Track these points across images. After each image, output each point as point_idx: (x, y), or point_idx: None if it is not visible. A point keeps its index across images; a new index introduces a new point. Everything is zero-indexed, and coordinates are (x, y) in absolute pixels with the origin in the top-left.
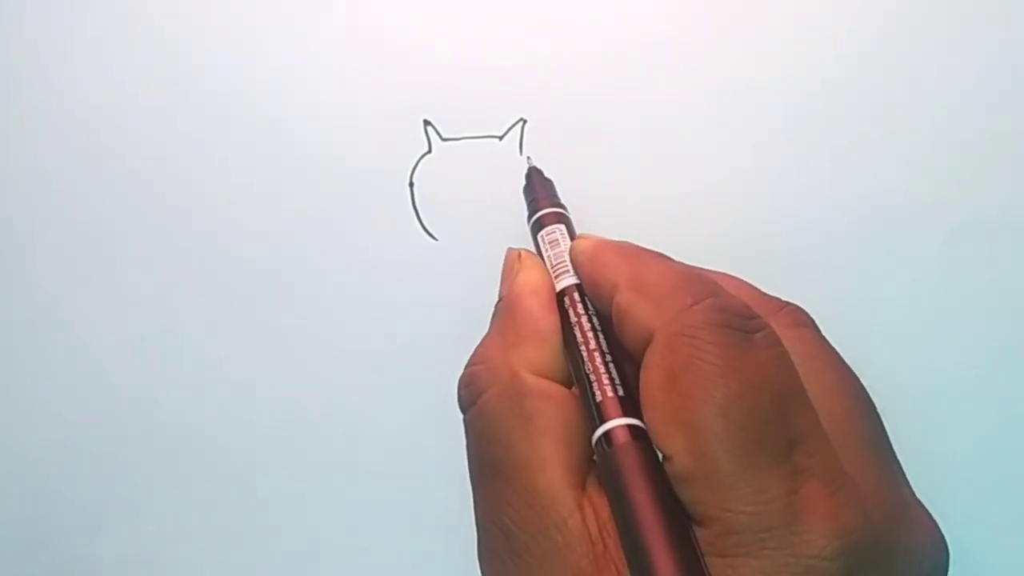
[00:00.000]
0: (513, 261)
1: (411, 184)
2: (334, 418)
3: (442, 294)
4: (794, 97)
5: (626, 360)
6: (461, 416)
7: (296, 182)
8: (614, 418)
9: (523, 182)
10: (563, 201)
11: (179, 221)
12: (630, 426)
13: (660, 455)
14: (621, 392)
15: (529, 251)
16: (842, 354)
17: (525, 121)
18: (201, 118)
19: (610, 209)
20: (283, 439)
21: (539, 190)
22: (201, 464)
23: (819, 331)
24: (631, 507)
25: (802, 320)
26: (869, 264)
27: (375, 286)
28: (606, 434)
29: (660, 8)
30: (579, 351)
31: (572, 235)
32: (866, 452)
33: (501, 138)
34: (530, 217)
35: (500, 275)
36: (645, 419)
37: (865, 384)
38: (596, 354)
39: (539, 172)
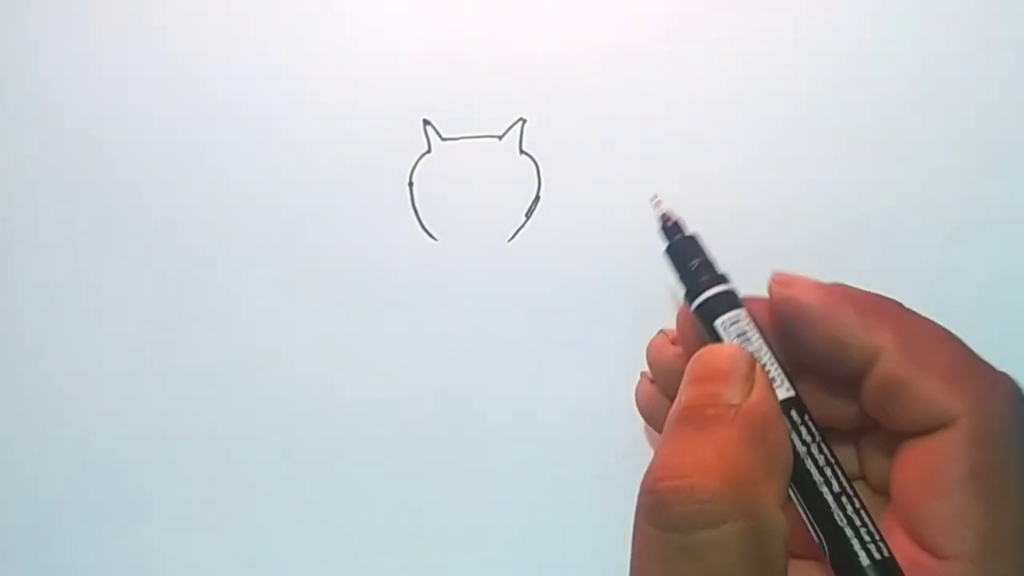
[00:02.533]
0: (748, 364)
1: (411, 184)
2: (333, 417)
3: (442, 294)
4: (794, 96)
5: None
6: (666, 527)
7: (296, 181)
8: None
9: (659, 236)
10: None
11: (179, 221)
12: None
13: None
14: (887, 553)
15: (757, 362)
16: None
17: (525, 121)
18: (201, 118)
19: (610, 208)
20: (283, 439)
21: (696, 256)
22: (201, 464)
23: None
24: None
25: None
26: (869, 264)
27: (375, 285)
28: None
29: (660, 8)
30: (820, 491)
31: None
32: None
33: (501, 138)
34: (697, 291)
35: (710, 367)
36: (916, 512)
37: None
38: (845, 500)
39: (679, 226)
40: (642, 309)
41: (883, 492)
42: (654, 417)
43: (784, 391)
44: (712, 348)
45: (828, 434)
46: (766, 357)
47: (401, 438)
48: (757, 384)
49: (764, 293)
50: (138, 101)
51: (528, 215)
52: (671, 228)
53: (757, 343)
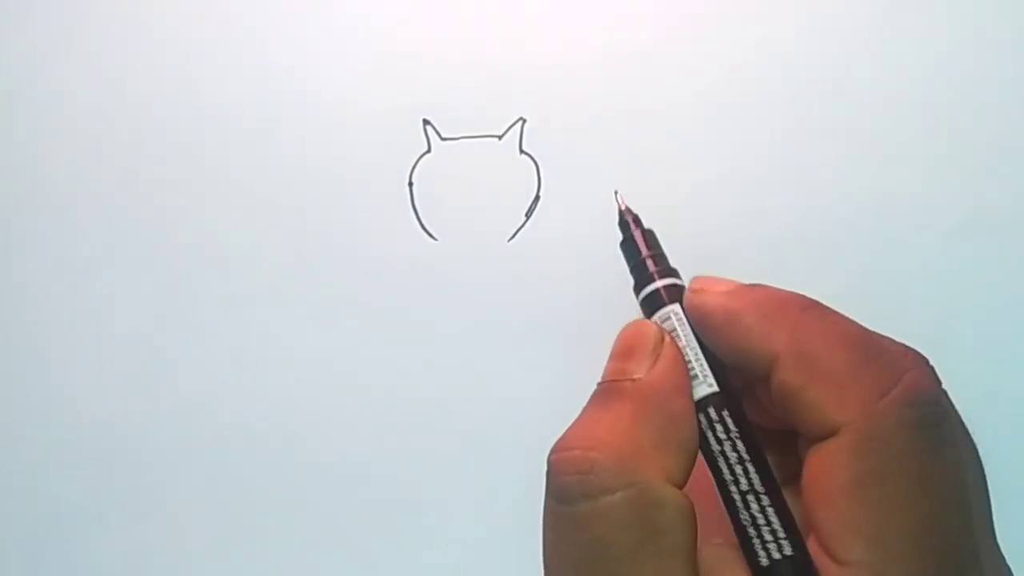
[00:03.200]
0: (653, 341)
1: (410, 184)
2: (333, 417)
3: (442, 294)
4: (794, 96)
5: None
6: (550, 497)
7: (295, 181)
8: None
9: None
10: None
11: (179, 221)
12: None
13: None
14: (789, 551)
15: (671, 337)
16: None
17: (524, 120)
18: (201, 118)
19: (610, 208)
20: (282, 439)
21: (646, 249)
22: (201, 464)
23: (939, 383)
24: None
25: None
26: (869, 264)
27: (374, 285)
28: None
29: (660, 8)
30: (729, 490)
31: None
32: (992, 544)
33: (501, 137)
34: (639, 286)
35: (624, 343)
36: (812, 512)
37: None
38: (752, 498)
39: (638, 220)
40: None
41: None
42: None
43: (706, 387)
44: (628, 324)
45: (767, 434)
46: (692, 352)
47: (401, 438)
48: (661, 359)
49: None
50: (137, 101)
51: (528, 215)
52: (626, 223)
53: (686, 339)
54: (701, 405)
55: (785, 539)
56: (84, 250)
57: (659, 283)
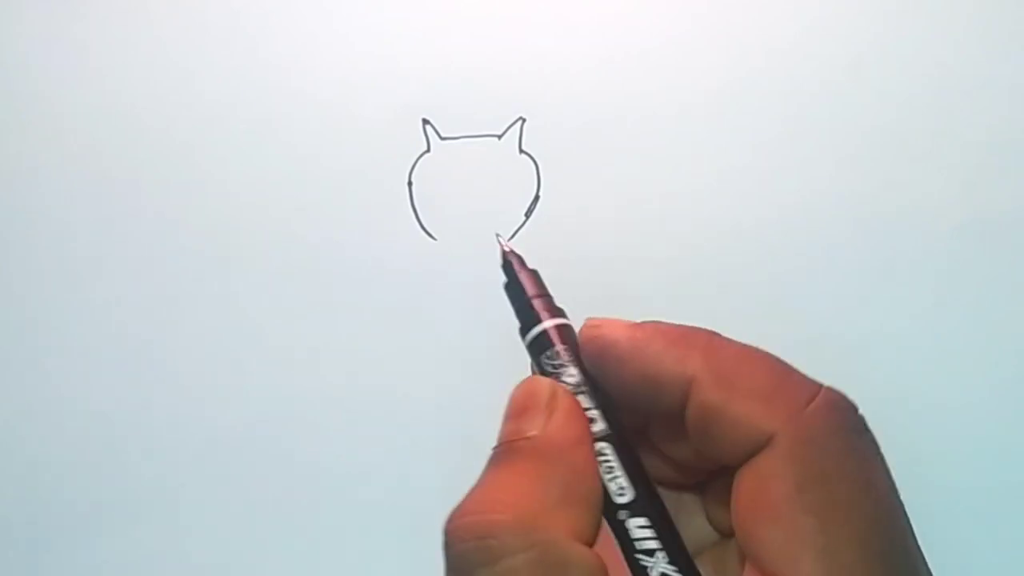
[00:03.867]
0: (544, 396)
1: (410, 183)
2: (333, 417)
3: (441, 293)
4: (795, 97)
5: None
6: (451, 563)
7: (295, 181)
8: None
9: (506, 244)
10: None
11: (179, 221)
12: None
13: None
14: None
15: (564, 389)
16: (845, 355)
17: (524, 120)
18: (201, 118)
19: (610, 208)
20: (282, 439)
21: (529, 289)
22: (201, 464)
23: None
24: None
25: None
26: (869, 264)
27: (374, 285)
28: None
29: (660, 8)
30: (633, 521)
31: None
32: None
33: (500, 137)
34: (524, 328)
35: (516, 403)
36: (757, 532)
37: (866, 384)
38: (666, 533)
39: (520, 261)
40: (641, 308)
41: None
42: None
43: (597, 427)
44: (519, 384)
45: (672, 491)
46: (583, 392)
47: (401, 438)
48: (556, 412)
49: (760, 293)
50: (137, 102)
51: (528, 214)
52: (510, 264)
53: (575, 379)
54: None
55: (660, 549)
56: (83, 249)
57: (549, 323)
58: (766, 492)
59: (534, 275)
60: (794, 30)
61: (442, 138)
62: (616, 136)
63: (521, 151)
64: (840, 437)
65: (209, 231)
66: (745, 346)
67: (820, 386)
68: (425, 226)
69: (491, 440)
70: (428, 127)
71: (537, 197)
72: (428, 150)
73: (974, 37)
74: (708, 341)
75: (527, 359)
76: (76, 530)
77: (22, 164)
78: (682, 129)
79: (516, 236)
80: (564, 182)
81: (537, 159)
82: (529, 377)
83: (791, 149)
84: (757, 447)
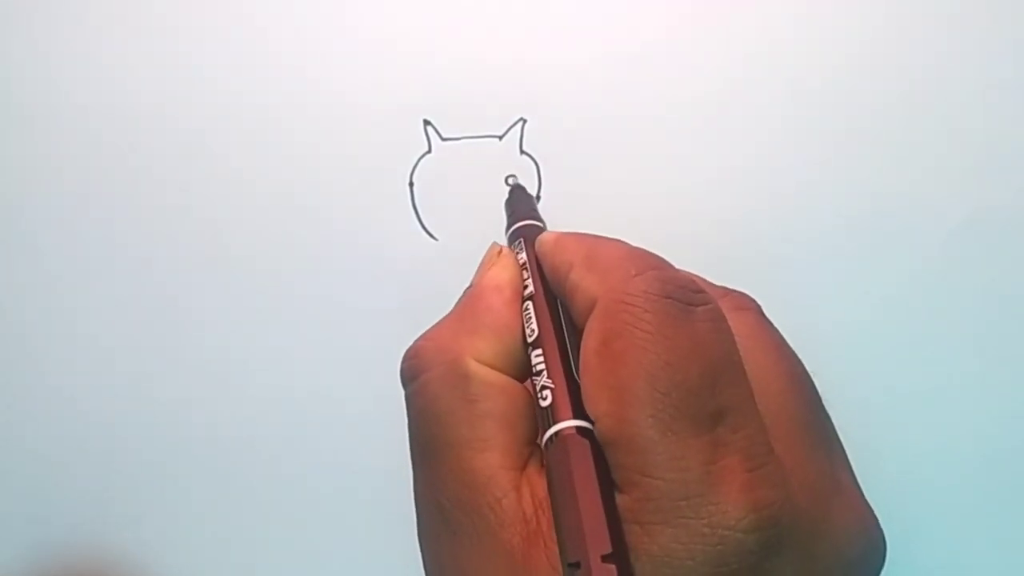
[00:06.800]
0: (492, 256)
1: (411, 184)
2: (334, 418)
3: (442, 294)
4: (794, 95)
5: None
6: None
7: (296, 182)
8: (566, 419)
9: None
10: (542, 216)
11: (179, 221)
12: (577, 427)
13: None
14: (574, 395)
15: (510, 249)
16: (843, 352)
17: (525, 121)
18: (201, 118)
19: (611, 208)
20: (283, 439)
21: (517, 204)
22: (201, 464)
23: (763, 314)
24: (562, 482)
25: (745, 304)
26: (869, 263)
27: (375, 286)
28: (552, 435)
29: (660, 7)
30: (534, 353)
31: None
32: (799, 432)
33: (501, 138)
34: (507, 231)
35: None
36: (581, 385)
37: (866, 384)
38: (553, 356)
39: (522, 190)
40: None
41: None
42: None
43: (528, 290)
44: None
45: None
46: (528, 267)
47: (401, 438)
48: (492, 269)
49: (760, 293)
50: (136, 101)
51: None
52: (512, 192)
53: (523, 259)
54: (533, 297)
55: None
56: (85, 248)
57: (524, 222)
58: (584, 348)
59: (529, 198)
60: (795, 30)
61: (443, 139)
62: (618, 137)
63: (522, 152)
64: (648, 299)
65: (209, 231)
66: (626, 244)
67: (666, 268)
68: (426, 226)
69: None
70: (429, 128)
71: (538, 197)
72: (429, 151)
73: (974, 37)
74: (596, 239)
75: None
76: (77, 529)
77: (23, 163)
78: (683, 129)
79: None
80: (565, 183)
81: (538, 160)
82: (492, 243)
83: (792, 149)
84: (588, 310)
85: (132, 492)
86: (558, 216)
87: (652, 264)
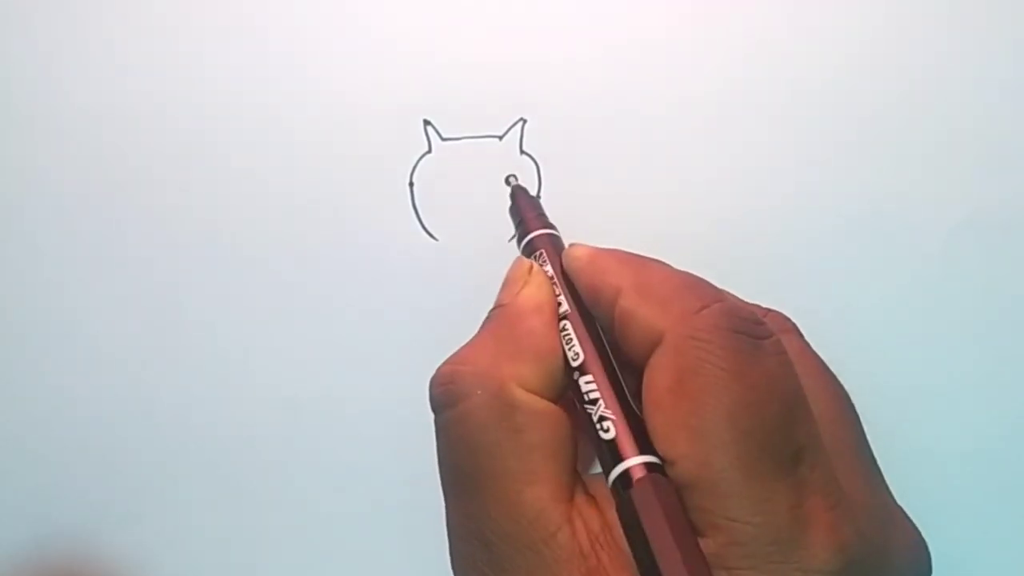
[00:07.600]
0: (522, 272)
1: (411, 184)
2: (334, 418)
3: (442, 294)
4: (794, 96)
5: (628, 372)
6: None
7: (296, 182)
8: (630, 456)
9: (510, 201)
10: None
11: (179, 221)
12: (647, 463)
13: (662, 460)
14: (636, 427)
15: (539, 266)
16: (841, 354)
17: (525, 121)
18: (201, 117)
19: (611, 208)
20: (283, 439)
21: (525, 209)
22: (201, 464)
23: (803, 337)
24: (653, 527)
25: (786, 326)
26: (869, 263)
27: (375, 286)
28: (623, 472)
29: (660, 7)
30: (583, 379)
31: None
32: (853, 461)
33: (501, 138)
34: (520, 239)
35: (503, 281)
36: (648, 422)
37: (865, 385)
38: (605, 384)
39: (524, 191)
40: None
41: None
42: None
43: (563, 308)
44: (512, 263)
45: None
46: (557, 283)
47: (401, 438)
48: (526, 287)
49: (760, 293)
50: (136, 101)
51: None
52: (514, 194)
53: (551, 272)
54: (568, 316)
55: (633, 417)
56: (85, 248)
57: (537, 232)
58: (653, 384)
59: (534, 200)
60: (795, 30)
61: (443, 139)
62: (618, 137)
63: (522, 152)
64: (720, 334)
65: (209, 231)
66: (664, 265)
67: (716, 297)
68: (426, 226)
69: None
70: (429, 128)
71: (538, 197)
72: (429, 151)
73: (974, 37)
74: (643, 263)
75: None
76: (77, 529)
77: (23, 163)
78: (683, 129)
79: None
80: (565, 183)
81: (538, 159)
82: (519, 257)
83: (792, 149)
84: (653, 345)
85: (132, 492)
86: (558, 216)
87: (713, 296)
